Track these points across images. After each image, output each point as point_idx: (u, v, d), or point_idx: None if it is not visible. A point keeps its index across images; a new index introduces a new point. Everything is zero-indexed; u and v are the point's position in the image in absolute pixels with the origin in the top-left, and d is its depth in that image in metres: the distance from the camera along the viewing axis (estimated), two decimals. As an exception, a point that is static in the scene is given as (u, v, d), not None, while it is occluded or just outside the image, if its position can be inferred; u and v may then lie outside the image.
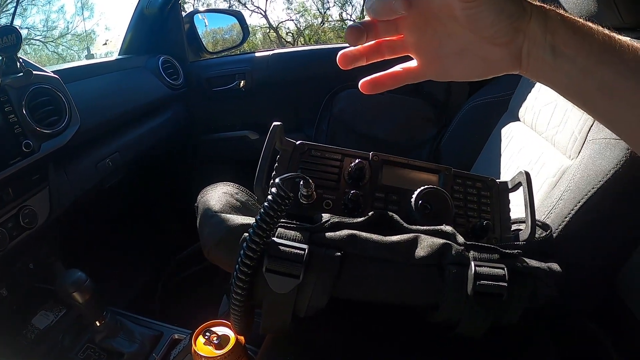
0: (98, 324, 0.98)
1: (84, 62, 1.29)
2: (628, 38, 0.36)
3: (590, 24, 0.36)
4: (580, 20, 0.36)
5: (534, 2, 0.37)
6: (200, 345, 0.69)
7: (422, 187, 0.54)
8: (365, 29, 0.39)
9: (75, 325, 1.03)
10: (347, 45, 0.41)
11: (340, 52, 0.41)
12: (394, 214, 0.51)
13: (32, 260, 1.02)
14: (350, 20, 9.09)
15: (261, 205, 0.43)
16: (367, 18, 0.40)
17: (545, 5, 0.37)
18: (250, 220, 0.49)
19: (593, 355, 0.70)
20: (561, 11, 0.37)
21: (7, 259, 0.90)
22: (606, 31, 0.36)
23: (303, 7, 9.23)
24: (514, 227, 0.59)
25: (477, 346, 0.51)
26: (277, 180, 0.44)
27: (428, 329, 0.52)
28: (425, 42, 0.41)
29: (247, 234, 0.43)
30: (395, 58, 0.43)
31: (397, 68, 0.43)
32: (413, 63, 0.43)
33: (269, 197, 0.43)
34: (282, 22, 9.27)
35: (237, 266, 0.43)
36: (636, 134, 0.37)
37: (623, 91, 0.35)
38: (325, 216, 0.49)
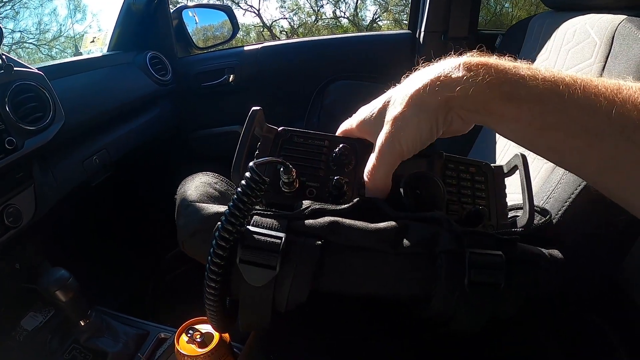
0: (82, 324, 0.96)
1: (71, 58, 1.26)
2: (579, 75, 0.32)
3: (533, 70, 0.33)
4: (518, 73, 0.33)
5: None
6: (183, 343, 0.66)
7: (411, 172, 0.50)
8: None
9: (62, 326, 1.01)
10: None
11: None
12: (381, 200, 0.47)
13: (18, 260, 1.00)
14: (344, 17, 9.07)
15: (234, 191, 0.40)
16: None
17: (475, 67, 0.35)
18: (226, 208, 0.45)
19: (597, 348, 0.67)
20: (489, 75, 0.34)
21: (-8, 259, 0.88)
22: (550, 73, 0.32)
23: (296, 5, 9.22)
24: (511, 213, 0.56)
25: (473, 343, 0.48)
26: (250, 164, 0.41)
27: (419, 325, 0.48)
28: None
29: (220, 222, 0.40)
30: None
31: None
32: None
33: (242, 182, 0.40)
34: (275, 20, 9.27)
35: (209, 257, 0.40)
36: (597, 176, 0.35)
37: (571, 151, 0.33)
38: (306, 203, 0.45)
